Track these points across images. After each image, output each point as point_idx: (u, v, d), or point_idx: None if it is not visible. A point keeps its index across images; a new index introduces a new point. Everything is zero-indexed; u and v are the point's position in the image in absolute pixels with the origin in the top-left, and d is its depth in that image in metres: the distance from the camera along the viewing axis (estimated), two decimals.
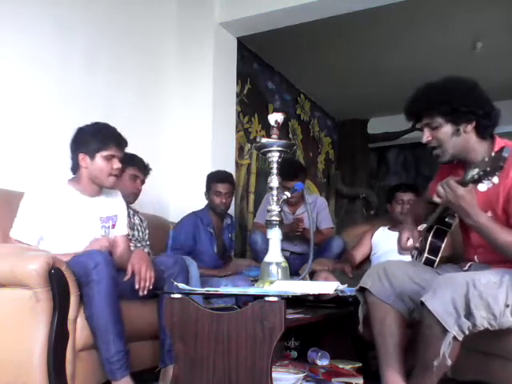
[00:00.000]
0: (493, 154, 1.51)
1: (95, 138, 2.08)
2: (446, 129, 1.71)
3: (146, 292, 2.01)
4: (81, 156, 2.10)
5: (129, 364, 1.83)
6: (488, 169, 1.47)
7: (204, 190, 3.15)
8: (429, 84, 1.76)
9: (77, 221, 2.08)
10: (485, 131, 1.70)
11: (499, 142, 1.71)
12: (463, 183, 1.54)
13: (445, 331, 1.43)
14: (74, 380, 1.77)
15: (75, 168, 2.15)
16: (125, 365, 1.81)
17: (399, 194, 3.03)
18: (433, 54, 4.77)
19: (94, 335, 1.81)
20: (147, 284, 2.00)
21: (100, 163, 2.08)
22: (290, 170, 3.17)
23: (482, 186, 1.54)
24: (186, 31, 3.80)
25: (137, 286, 1.99)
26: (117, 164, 2.11)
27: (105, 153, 2.08)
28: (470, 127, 1.69)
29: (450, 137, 1.71)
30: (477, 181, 1.50)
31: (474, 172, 1.50)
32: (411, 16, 4.17)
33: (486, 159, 1.49)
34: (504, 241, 1.55)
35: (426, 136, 1.75)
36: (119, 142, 2.14)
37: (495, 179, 1.49)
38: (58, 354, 1.71)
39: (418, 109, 1.76)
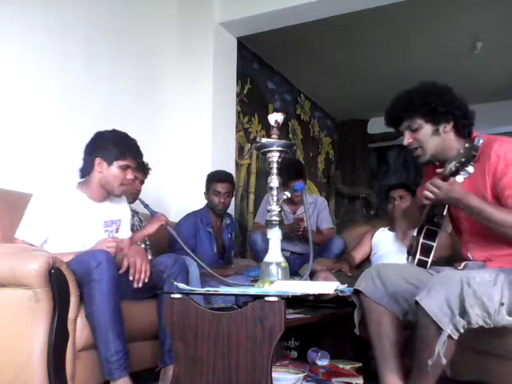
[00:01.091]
0: (467, 144, 1.57)
1: (115, 145, 2.11)
2: (426, 129, 1.76)
3: (140, 284, 2.01)
4: (98, 160, 2.11)
5: (128, 365, 1.83)
6: (463, 159, 1.54)
7: (204, 190, 3.15)
8: (406, 90, 1.82)
9: (81, 225, 2.10)
10: (463, 130, 1.76)
11: (474, 134, 1.76)
12: (444, 178, 1.61)
13: (439, 330, 1.43)
14: (74, 380, 1.77)
15: (86, 170, 2.16)
16: (124, 365, 1.81)
17: (391, 192, 3.10)
18: (433, 53, 4.77)
19: (94, 334, 1.81)
20: (142, 276, 2.01)
21: (115, 171, 2.11)
22: (295, 170, 3.17)
23: (459, 178, 1.59)
24: (186, 31, 3.80)
25: (131, 278, 1.99)
26: (130, 175, 2.15)
27: (122, 162, 2.12)
28: (448, 127, 1.75)
29: (429, 137, 1.76)
30: (455, 173, 1.57)
31: (451, 165, 1.57)
32: (411, 16, 4.17)
33: (462, 151, 1.56)
34: (498, 218, 1.58)
35: (407, 138, 1.80)
36: (137, 153, 2.19)
37: (470, 169, 1.56)
38: (58, 354, 1.71)
39: (399, 112, 1.81)
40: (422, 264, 1.82)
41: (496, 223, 1.59)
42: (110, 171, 2.11)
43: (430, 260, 1.82)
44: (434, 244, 1.83)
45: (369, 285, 1.73)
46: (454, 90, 1.78)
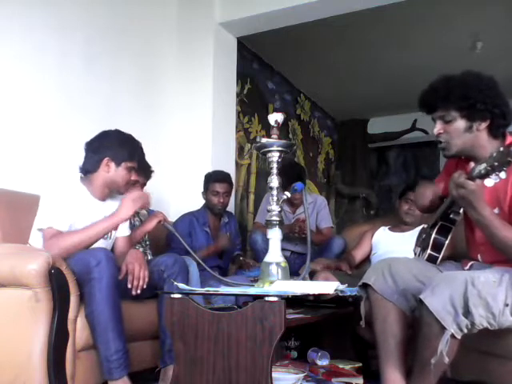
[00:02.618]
0: (501, 148, 1.45)
1: (124, 147, 2.15)
2: (460, 124, 1.68)
3: (139, 291, 2.01)
4: (106, 161, 2.13)
5: (127, 364, 1.82)
6: (495, 164, 1.43)
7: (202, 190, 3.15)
8: (447, 77, 1.72)
9: (84, 221, 2.09)
10: (497, 130, 1.67)
11: (510, 139, 1.68)
12: (470, 178, 1.51)
13: (443, 329, 1.43)
14: (74, 380, 1.77)
15: (91, 169, 2.16)
16: (123, 364, 1.80)
17: (408, 194, 2.94)
18: (433, 53, 4.77)
19: (94, 333, 1.81)
20: (140, 283, 2.01)
21: (123, 172, 2.16)
22: (294, 174, 3.15)
23: (489, 182, 1.49)
24: (186, 31, 3.80)
25: (129, 285, 1.99)
26: (134, 176, 2.24)
27: (130, 164, 2.17)
28: (483, 125, 1.66)
29: (461, 132, 1.68)
30: (484, 176, 1.47)
31: (481, 167, 1.47)
32: (411, 16, 4.17)
33: (494, 154, 1.45)
34: (503, 236, 1.53)
35: (438, 128, 1.72)
36: (142, 155, 2.26)
37: (502, 174, 1.45)
38: (58, 354, 1.71)
39: (435, 100, 1.71)
40: (431, 259, 1.80)
41: (499, 240, 1.55)
42: (118, 172, 2.15)
43: (440, 256, 1.80)
44: (447, 241, 1.81)
45: (379, 280, 1.70)
46: (498, 85, 1.69)
